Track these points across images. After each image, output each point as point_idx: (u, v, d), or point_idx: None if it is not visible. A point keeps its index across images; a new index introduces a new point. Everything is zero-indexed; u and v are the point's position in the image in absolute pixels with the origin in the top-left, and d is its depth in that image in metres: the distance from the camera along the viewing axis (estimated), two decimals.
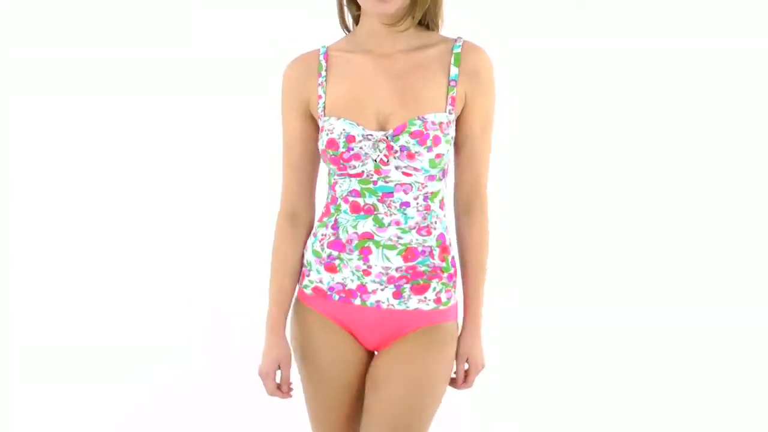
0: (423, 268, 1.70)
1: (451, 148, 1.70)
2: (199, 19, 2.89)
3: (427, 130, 1.64)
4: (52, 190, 2.89)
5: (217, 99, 2.92)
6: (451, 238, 1.74)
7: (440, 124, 1.66)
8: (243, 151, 2.94)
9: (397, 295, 1.70)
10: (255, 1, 2.91)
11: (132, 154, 2.91)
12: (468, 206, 1.73)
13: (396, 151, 1.64)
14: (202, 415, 2.92)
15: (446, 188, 1.74)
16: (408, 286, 1.69)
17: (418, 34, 1.71)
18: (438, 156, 1.65)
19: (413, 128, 1.64)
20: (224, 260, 2.97)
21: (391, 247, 1.69)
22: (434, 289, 1.72)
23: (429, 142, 1.64)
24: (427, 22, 1.73)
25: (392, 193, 1.68)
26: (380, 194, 1.68)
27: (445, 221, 1.73)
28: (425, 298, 1.71)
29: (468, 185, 1.72)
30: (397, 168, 1.66)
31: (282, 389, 1.77)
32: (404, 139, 1.64)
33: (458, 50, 1.69)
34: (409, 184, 1.68)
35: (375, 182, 1.67)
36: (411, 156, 1.64)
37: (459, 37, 1.71)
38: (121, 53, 2.86)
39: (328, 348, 1.72)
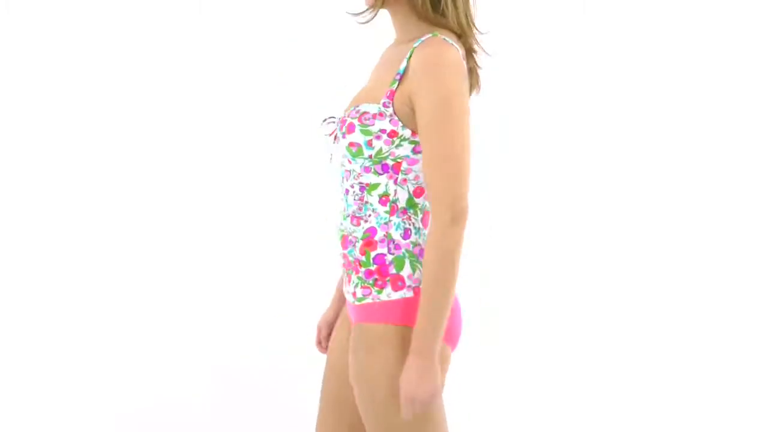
0: (350, 258, 1.71)
1: (382, 144, 1.66)
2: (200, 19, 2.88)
3: (348, 117, 1.68)
4: (53, 190, 2.88)
5: (219, 100, 2.91)
6: (398, 239, 1.69)
7: (363, 113, 1.66)
8: (247, 153, 2.94)
9: (347, 282, 1.76)
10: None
11: (132, 154, 2.90)
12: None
13: (336, 138, 1.73)
14: (204, 415, 2.92)
15: (402, 188, 1.69)
16: (346, 273, 1.75)
17: (419, 27, 1.68)
18: (352, 144, 1.66)
19: (344, 116, 1.71)
20: (227, 261, 2.96)
21: (337, 232, 1.76)
22: (353, 282, 1.71)
23: (344, 129, 1.67)
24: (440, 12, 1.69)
25: (342, 178, 1.75)
26: (339, 178, 1.78)
27: (388, 219, 1.69)
28: (348, 290, 1.74)
29: (426, 190, 1.65)
30: (339, 154, 1.73)
31: None
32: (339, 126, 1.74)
33: (416, 45, 1.63)
34: (348, 171, 1.71)
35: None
36: (337, 142, 1.72)
37: (434, 34, 1.64)
38: (120, 52, 2.85)
39: None
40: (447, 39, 1.61)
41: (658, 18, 2.98)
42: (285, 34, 2.88)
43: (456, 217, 1.57)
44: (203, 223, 2.93)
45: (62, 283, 2.88)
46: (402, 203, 1.68)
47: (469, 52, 1.70)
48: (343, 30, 2.94)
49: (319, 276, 2.94)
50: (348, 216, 1.72)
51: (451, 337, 1.71)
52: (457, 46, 1.63)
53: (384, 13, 1.74)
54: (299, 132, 2.92)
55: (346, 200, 1.73)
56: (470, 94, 1.73)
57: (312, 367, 2.94)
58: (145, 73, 2.87)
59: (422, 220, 1.71)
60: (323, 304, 2.85)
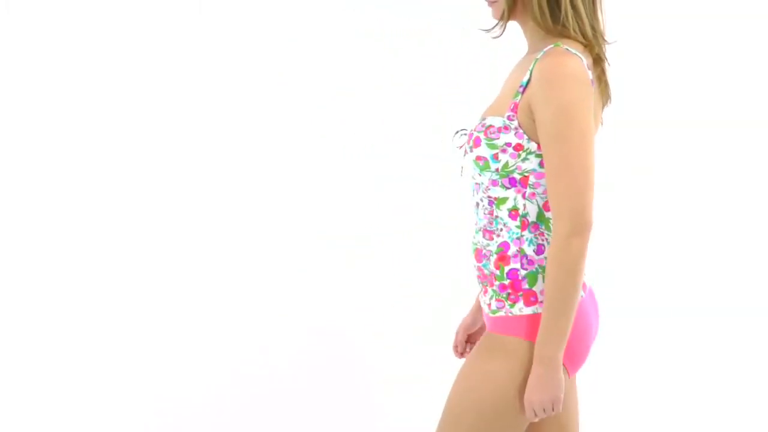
0: (486, 271, 1.72)
1: (508, 157, 1.66)
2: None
3: (475, 131, 1.69)
4: (53, 190, 2.88)
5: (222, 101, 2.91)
6: (531, 254, 1.70)
7: (489, 127, 1.67)
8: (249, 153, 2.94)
9: (482, 293, 1.77)
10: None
11: (133, 154, 2.90)
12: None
13: (465, 151, 1.74)
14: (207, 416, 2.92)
15: (531, 202, 1.68)
16: (482, 285, 1.76)
17: (545, 39, 1.67)
18: (478, 158, 1.67)
19: (471, 129, 1.73)
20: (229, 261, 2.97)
21: (471, 246, 1.79)
22: (489, 294, 1.72)
23: (471, 143, 1.69)
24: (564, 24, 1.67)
25: (472, 192, 1.76)
26: (469, 192, 1.80)
27: (520, 234, 1.69)
28: (484, 300, 1.75)
29: (549, 203, 1.66)
30: (468, 167, 1.74)
31: None
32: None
33: (539, 56, 1.63)
34: (477, 184, 1.72)
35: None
36: (466, 155, 1.73)
37: (556, 44, 1.64)
38: (120, 52, 2.85)
39: None
40: (570, 49, 1.60)
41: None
42: (285, 34, 2.89)
43: (576, 230, 1.56)
44: (203, 224, 2.93)
45: (62, 283, 2.86)
46: (532, 218, 1.68)
47: (597, 62, 1.67)
48: (342, 30, 2.96)
49: (319, 275, 2.96)
50: (480, 230, 1.73)
51: (571, 359, 1.70)
52: (582, 56, 1.61)
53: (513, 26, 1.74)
54: (299, 132, 2.93)
55: (477, 214, 1.74)
56: (603, 106, 1.73)
57: (313, 367, 2.97)
58: (145, 73, 2.85)
59: None
60: (323, 304, 2.88)
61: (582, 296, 1.70)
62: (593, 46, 1.65)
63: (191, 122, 2.88)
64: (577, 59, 1.59)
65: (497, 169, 1.67)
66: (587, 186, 1.57)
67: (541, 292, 1.67)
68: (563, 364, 1.66)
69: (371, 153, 2.85)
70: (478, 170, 1.70)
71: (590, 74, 1.62)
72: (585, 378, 2.90)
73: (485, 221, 1.72)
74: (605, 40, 1.70)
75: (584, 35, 1.65)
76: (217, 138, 2.90)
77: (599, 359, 3.03)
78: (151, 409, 2.87)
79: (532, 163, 1.65)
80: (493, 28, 1.74)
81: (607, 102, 1.75)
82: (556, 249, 1.58)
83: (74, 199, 2.84)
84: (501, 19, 1.71)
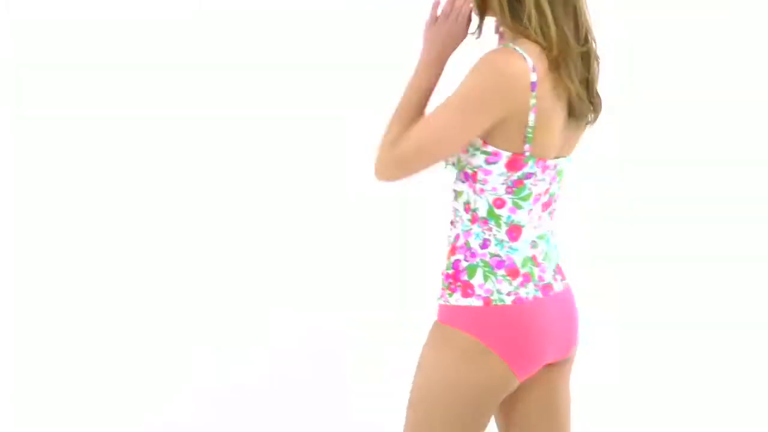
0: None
1: (459, 152, 1.68)
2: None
3: None
4: (52, 190, 2.88)
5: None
6: (475, 247, 1.72)
7: None
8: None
9: None
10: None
11: (133, 154, 2.90)
12: None
13: None
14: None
15: (480, 197, 1.70)
16: None
17: (514, 39, 1.66)
18: None
19: None
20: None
21: None
22: (439, 283, 1.77)
23: None
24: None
25: None
26: None
27: (470, 227, 1.71)
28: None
29: None
30: None
31: None
32: None
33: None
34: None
35: None
36: None
37: (506, 45, 1.63)
38: (121, 52, 2.85)
39: None
40: (518, 49, 1.59)
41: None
42: (286, 33, 2.89)
43: (386, 163, 1.66)
44: (202, 223, 2.94)
45: (61, 284, 2.89)
46: (482, 213, 1.70)
47: (555, 68, 1.61)
48: (343, 29, 2.96)
49: (318, 276, 2.96)
50: (449, 220, 1.78)
51: (515, 358, 1.70)
52: (530, 58, 1.59)
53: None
54: (299, 131, 2.93)
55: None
56: (574, 117, 1.67)
57: (312, 367, 2.97)
58: (145, 74, 2.87)
59: (507, 232, 1.70)
60: (323, 304, 2.88)
61: (537, 296, 1.72)
62: (552, 50, 1.60)
63: (191, 121, 2.88)
64: (518, 58, 1.58)
65: (453, 164, 1.71)
66: (426, 145, 1.62)
67: (480, 286, 1.69)
68: (509, 367, 1.69)
69: (371, 153, 2.86)
70: (447, 164, 1.74)
71: (534, 77, 1.59)
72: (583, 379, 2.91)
73: (451, 212, 1.76)
74: (587, 42, 1.65)
75: (546, 37, 1.61)
76: (216, 138, 2.90)
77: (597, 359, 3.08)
78: (149, 409, 2.88)
79: (478, 159, 1.66)
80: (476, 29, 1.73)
81: (584, 116, 1.68)
82: (378, 152, 1.67)
83: (74, 199, 2.85)
84: (479, 17, 1.72)
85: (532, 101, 1.60)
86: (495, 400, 1.73)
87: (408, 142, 1.63)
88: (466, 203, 1.71)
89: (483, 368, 1.68)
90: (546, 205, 1.75)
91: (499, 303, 1.68)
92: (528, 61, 1.59)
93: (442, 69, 1.73)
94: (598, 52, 1.69)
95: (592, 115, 1.72)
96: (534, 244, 1.74)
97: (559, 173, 1.74)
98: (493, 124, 1.61)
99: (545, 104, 1.62)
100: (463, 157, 1.68)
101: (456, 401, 1.70)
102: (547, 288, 1.75)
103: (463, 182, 1.71)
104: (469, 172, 1.69)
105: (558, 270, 1.80)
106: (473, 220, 1.71)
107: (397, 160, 1.65)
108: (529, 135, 1.63)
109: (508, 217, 1.70)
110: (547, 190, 1.73)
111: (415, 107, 1.70)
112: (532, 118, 1.61)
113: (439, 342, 1.72)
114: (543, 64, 1.61)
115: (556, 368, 1.82)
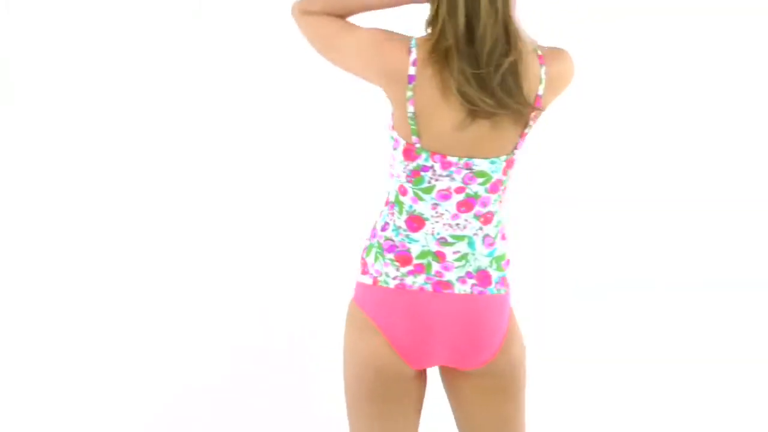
0: None
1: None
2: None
3: None
4: (52, 190, 2.89)
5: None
6: (377, 228, 1.79)
7: None
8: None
9: None
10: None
11: (133, 155, 2.91)
12: None
13: None
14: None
15: (391, 182, 1.76)
16: None
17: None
18: None
19: None
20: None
21: None
22: None
23: None
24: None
25: None
26: None
27: (382, 208, 1.79)
28: None
29: None
30: None
31: None
32: None
33: None
34: None
35: None
36: None
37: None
38: (120, 52, 2.85)
39: None
40: (413, 41, 1.62)
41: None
42: (285, 34, 2.89)
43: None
44: (202, 223, 2.94)
45: (61, 284, 2.89)
46: (391, 198, 1.74)
47: (442, 57, 1.59)
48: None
49: (318, 275, 2.96)
50: None
51: (404, 349, 1.73)
52: (415, 46, 1.60)
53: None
54: (299, 132, 2.93)
55: None
56: (473, 116, 1.61)
57: (312, 366, 2.97)
58: (144, 74, 2.87)
59: (407, 221, 1.71)
60: (323, 304, 2.88)
61: (425, 288, 1.71)
62: (443, 40, 1.58)
63: (191, 121, 2.89)
64: (402, 51, 1.61)
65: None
66: (313, 37, 1.75)
67: (371, 265, 1.74)
68: (394, 350, 1.71)
69: (370, 153, 2.86)
70: None
71: (413, 70, 1.59)
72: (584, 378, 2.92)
73: None
74: (497, 41, 1.57)
75: (443, 32, 1.58)
76: (216, 138, 2.91)
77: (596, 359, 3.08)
78: (150, 408, 2.88)
79: (390, 144, 1.70)
80: None
81: (492, 116, 1.60)
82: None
83: (74, 199, 2.85)
84: None
85: (408, 93, 1.61)
86: (388, 381, 1.73)
87: (309, 19, 1.75)
88: (389, 187, 1.76)
89: (370, 344, 1.72)
90: (465, 205, 1.70)
91: (383, 285, 1.72)
92: (412, 54, 1.60)
93: (396, 4, 1.76)
94: (526, 54, 1.63)
95: (516, 117, 1.63)
96: (443, 242, 1.71)
97: (479, 174, 1.67)
98: (371, 80, 1.66)
99: (424, 98, 1.61)
100: (388, 142, 1.71)
101: (353, 372, 1.75)
102: (441, 285, 1.72)
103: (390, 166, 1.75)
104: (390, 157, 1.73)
105: (478, 276, 1.73)
106: (386, 203, 1.76)
107: (296, 18, 1.78)
108: (413, 126, 1.63)
109: (410, 206, 1.70)
110: (461, 189, 1.68)
111: (347, 4, 1.75)
112: (411, 109, 1.62)
113: (347, 315, 1.80)
114: (422, 53, 1.61)
115: (470, 379, 1.80)
